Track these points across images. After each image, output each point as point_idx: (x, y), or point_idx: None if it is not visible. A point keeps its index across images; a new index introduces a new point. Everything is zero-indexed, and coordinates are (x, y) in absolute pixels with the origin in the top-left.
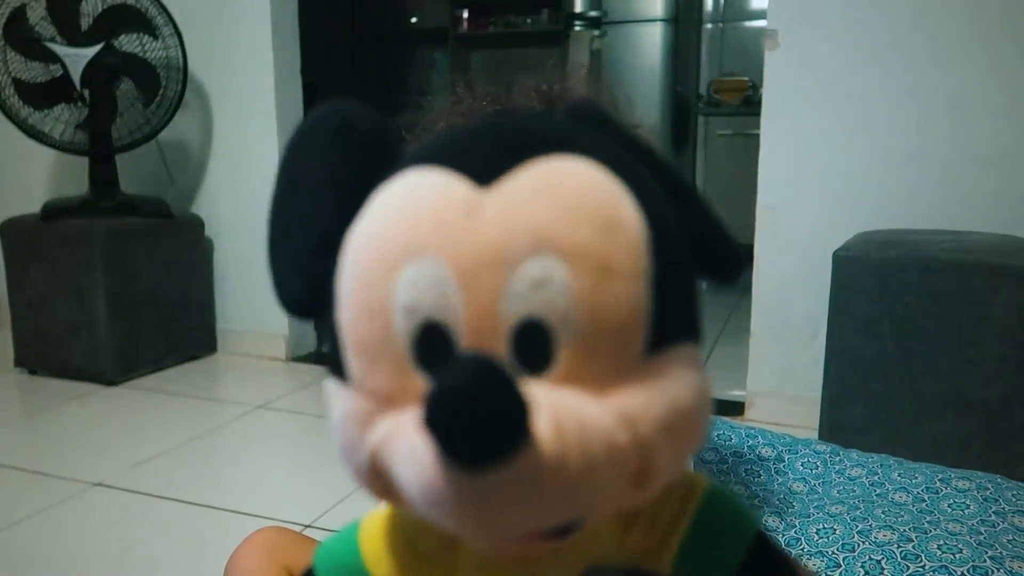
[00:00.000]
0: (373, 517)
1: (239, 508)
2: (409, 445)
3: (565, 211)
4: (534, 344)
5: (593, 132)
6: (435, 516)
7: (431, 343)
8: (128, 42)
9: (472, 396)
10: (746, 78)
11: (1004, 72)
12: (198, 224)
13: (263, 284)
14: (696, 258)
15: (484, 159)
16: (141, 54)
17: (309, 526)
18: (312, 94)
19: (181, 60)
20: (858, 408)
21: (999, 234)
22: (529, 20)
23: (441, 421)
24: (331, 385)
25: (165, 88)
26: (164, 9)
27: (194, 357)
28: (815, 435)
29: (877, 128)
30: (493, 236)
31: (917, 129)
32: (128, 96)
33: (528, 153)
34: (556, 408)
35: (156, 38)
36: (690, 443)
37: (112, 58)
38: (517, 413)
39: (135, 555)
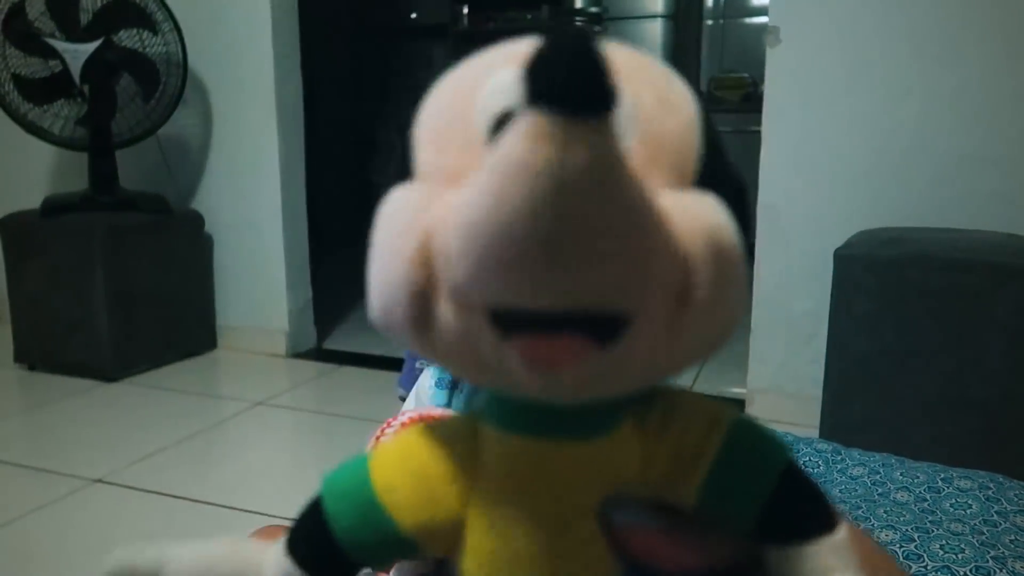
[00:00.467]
0: (383, 447)
1: (237, 504)
2: (475, 178)
3: (635, 59)
4: None
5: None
6: (485, 265)
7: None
8: (128, 37)
9: (580, 51)
10: (746, 75)
11: (1005, 70)
12: (198, 220)
13: (262, 280)
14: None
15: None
16: (141, 49)
17: None
18: (311, 89)
19: (181, 55)
20: (858, 406)
21: (1000, 233)
22: (529, 16)
23: (551, 65)
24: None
25: (165, 83)
26: (164, 4)
27: (193, 353)
28: (815, 433)
29: (878, 126)
30: None
31: (918, 127)
32: (128, 91)
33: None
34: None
35: (156, 33)
36: (733, 284)
37: (112, 53)
38: (611, 82)
39: None
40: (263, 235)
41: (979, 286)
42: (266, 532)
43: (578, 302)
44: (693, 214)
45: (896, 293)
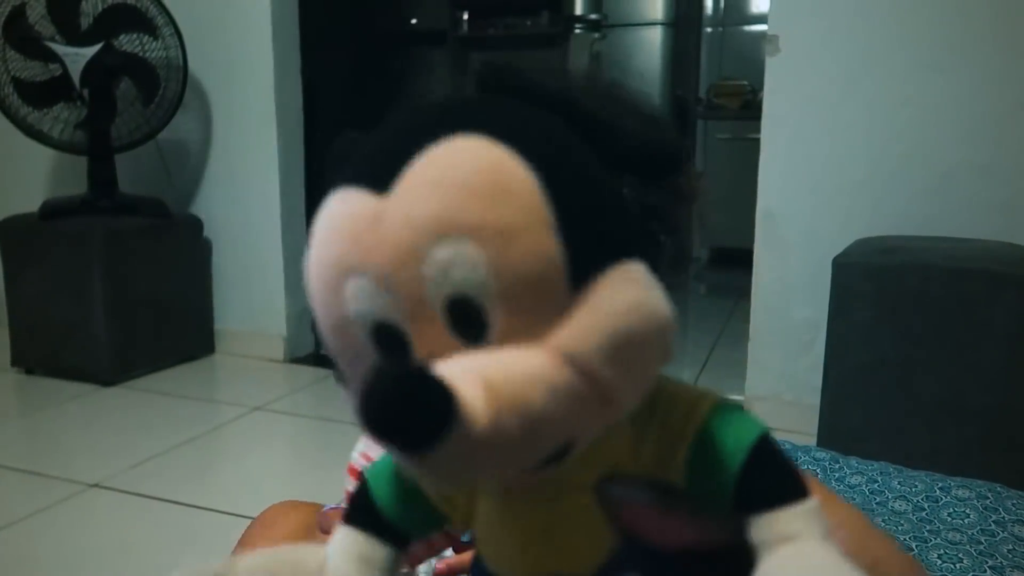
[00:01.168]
0: None
1: (235, 510)
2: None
3: (454, 193)
4: (468, 316)
5: (493, 98)
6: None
7: (388, 338)
8: (128, 42)
9: (387, 399)
10: (746, 82)
11: (1003, 79)
12: (197, 224)
13: (261, 285)
14: (636, 166)
15: (380, 169)
16: (141, 54)
17: None
18: (312, 95)
19: (181, 60)
20: (857, 414)
21: (999, 242)
22: (529, 22)
23: (369, 422)
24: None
25: (165, 88)
26: (164, 9)
27: (192, 358)
28: (814, 440)
29: (878, 134)
30: (398, 237)
31: (916, 136)
32: (127, 96)
33: (415, 150)
34: (488, 372)
35: (156, 38)
36: (648, 356)
37: (112, 58)
38: (437, 402)
39: (132, 556)
40: (262, 240)
41: (977, 294)
42: (280, 507)
43: (513, 471)
44: (579, 342)
45: (895, 301)
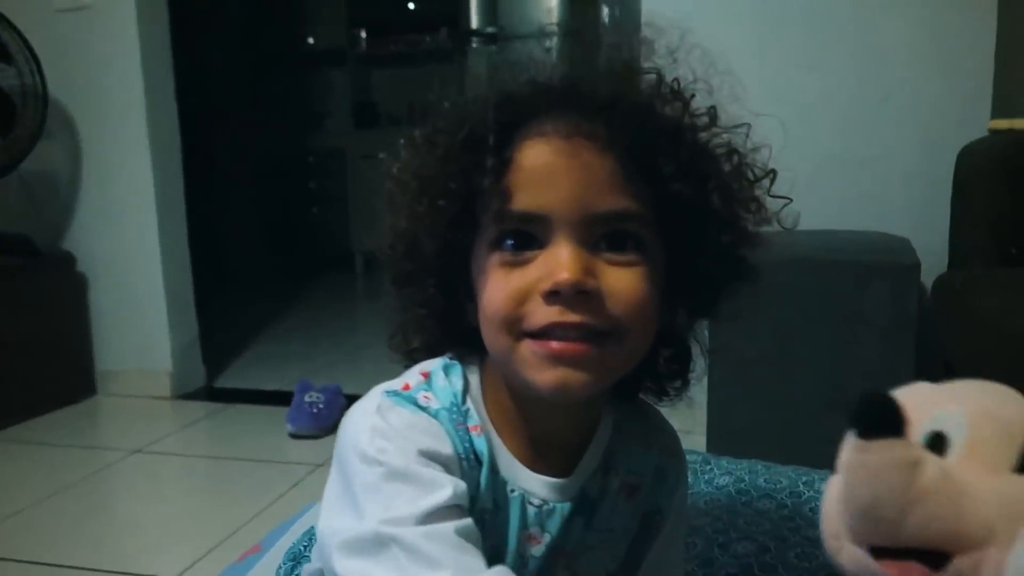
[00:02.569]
0: None
1: (100, 565)
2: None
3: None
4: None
5: None
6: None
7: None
8: None
9: (873, 402)
10: None
11: (870, 76)
12: (69, 259)
13: (142, 320)
14: None
15: None
16: None
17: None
18: (205, 116)
19: (40, 87)
20: (743, 412)
21: (871, 232)
22: (428, 38)
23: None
24: None
25: (22, 116)
26: (17, 33)
27: (71, 401)
28: (703, 440)
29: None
30: None
31: (788, 131)
32: None
33: None
34: None
35: (9, 64)
36: None
37: None
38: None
39: None
40: (141, 273)
41: (847, 285)
42: None
43: None
44: None
45: (771, 296)
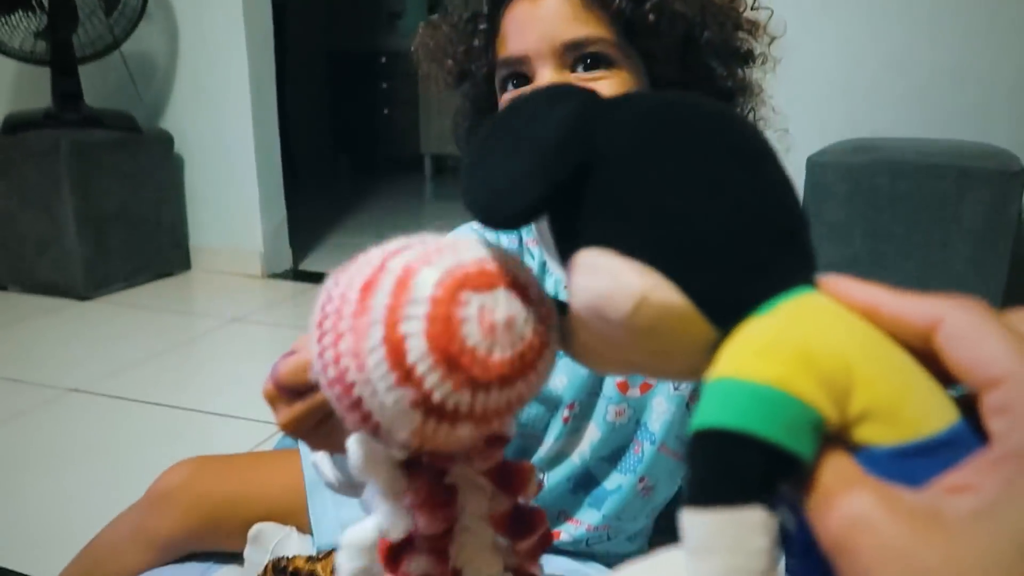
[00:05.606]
0: None
1: (212, 409)
2: None
3: None
4: None
5: None
6: None
7: None
8: None
9: None
10: None
11: None
12: (167, 140)
13: (236, 201)
14: None
15: None
16: None
17: None
18: (280, 12)
19: None
20: None
21: (972, 142)
22: None
23: None
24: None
25: None
26: None
27: (167, 274)
28: None
29: (856, 39)
30: None
31: (896, 41)
32: (88, 4)
33: None
34: None
35: None
36: None
37: None
38: None
39: (110, 455)
40: (235, 156)
41: (947, 191)
42: (186, 466)
43: None
44: None
45: (866, 199)
